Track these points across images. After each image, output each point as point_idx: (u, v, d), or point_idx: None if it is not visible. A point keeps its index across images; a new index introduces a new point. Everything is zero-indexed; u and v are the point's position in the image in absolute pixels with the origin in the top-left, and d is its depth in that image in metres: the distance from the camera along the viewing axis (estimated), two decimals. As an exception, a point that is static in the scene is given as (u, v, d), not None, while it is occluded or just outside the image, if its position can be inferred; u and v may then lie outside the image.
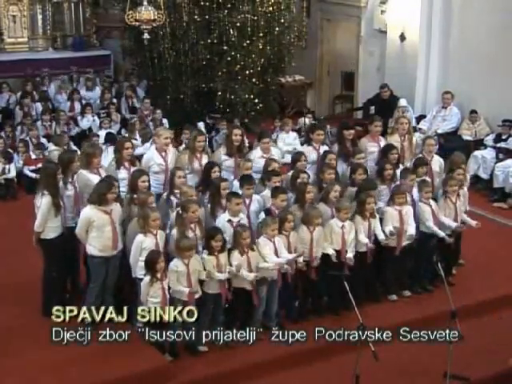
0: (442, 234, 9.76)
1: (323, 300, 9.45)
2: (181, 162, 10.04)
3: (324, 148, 10.62)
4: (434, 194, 10.12)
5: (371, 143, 10.73)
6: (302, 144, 11.01)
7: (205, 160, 10.05)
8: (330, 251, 9.15)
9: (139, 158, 10.24)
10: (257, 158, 10.31)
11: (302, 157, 10.05)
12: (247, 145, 11.47)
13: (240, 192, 9.19)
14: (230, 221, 8.80)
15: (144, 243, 8.37)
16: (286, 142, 14.29)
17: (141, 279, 8.35)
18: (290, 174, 9.90)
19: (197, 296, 8.32)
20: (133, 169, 9.58)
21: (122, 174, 9.55)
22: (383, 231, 9.53)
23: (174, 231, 8.61)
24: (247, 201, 9.21)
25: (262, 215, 9.09)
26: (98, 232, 8.55)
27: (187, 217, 8.56)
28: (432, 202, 9.85)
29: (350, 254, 9.19)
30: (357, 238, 9.33)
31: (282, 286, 8.94)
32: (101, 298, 8.66)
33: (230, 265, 8.51)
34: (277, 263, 8.69)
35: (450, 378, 7.85)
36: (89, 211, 8.58)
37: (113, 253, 8.66)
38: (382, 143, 10.74)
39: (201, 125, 15.20)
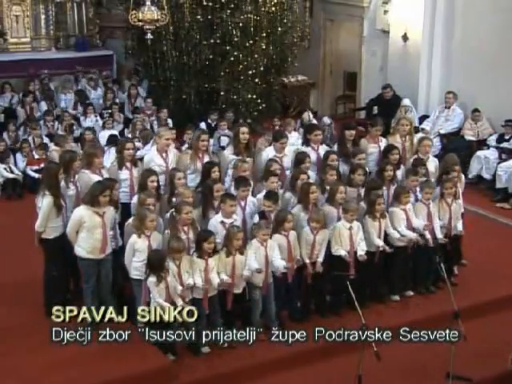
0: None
1: (326, 300, 9.42)
2: (182, 161, 9.99)
3: (323, 148, 10.56)
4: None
5: (371, 144, 10.66)
6: (301, 145, 10.89)
7: (206, 160, 9.99)
8: (343, 252, 9.14)
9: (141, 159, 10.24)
10: (270, 158, 10.16)
11: (307, 158, 9.95)
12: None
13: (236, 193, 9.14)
14: (222, 222, 8.73)
15: (137, 244, 8.37)
16: (289, 142, 14.28)
17: (135, 279, 8.39)
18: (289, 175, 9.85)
19: (187, 299, 8.27)
20: (134, 169, 9.60)
21: (124, 175, 9.57)
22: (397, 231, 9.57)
23: (166, 232, 8.58)
24: (242, 203, 9.15)
25: (256, 218, 9.04)
26: (87, 233, 8.53)
27: (180, 219, 8.52)
28: (431, 204, 9.82)
29: (361, 252, 9.17)
30: (368, 241, 9.32)
31: (284, 286, 8.93)
32: (98, 298, 8.64)
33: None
34: (253, 270, 8.55)
35: (452, 379, 7.85)
36: (81, 211, 8.56)
37: (101, 256, 8.63)
38: (383, 144, 10.68)
39: (202, 125, 15.19)
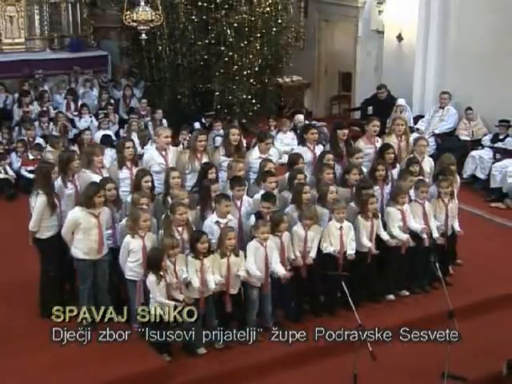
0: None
1: (320, 300, 9.44)
2: (181, 161, 10.01)
3: (319, 147, 10.54)
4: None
5: (367, 145, 10.65)
6: (297, 145, 10.89)
7: (205, 160, 9.99)
8: (331, 249, 9.13)
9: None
10: (254, 158, 10.15)
11: (300, 159, 9.92)
12: (245, 145, 11.40)
13: (231, 193, 9.13)
14: (217, 222, 8.73)
15: (131, 245, 8.38)
16: (284, 142, 14.33)
17: (130, 280, 8.42)
18: (286, 175, 9.80)
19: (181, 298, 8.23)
20: (135, 169, 9.58)
21: (124, 174, 9.56)
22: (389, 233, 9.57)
23: (161, 232, 8.60)
24: (238, 203, 9.15)
25: (253, 218, 9.01)
26: (84, 234, 8.53)
27: (174, 219, 8.53)
28: (426, 203, 9.85)
29: (351, 252, 9.17)
30: (359, 241, 9.33)
31: (277, 287, 8.92)
32: (93, 299, 8.62)
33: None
34: (253, 276, 8.58)
35: (447, 378, 7.89)
36: (77, 213, 8.56)
37: (98, 256, 8.62)
38: (379, 144, 10.66)
39: (197, 125, 15.22)
